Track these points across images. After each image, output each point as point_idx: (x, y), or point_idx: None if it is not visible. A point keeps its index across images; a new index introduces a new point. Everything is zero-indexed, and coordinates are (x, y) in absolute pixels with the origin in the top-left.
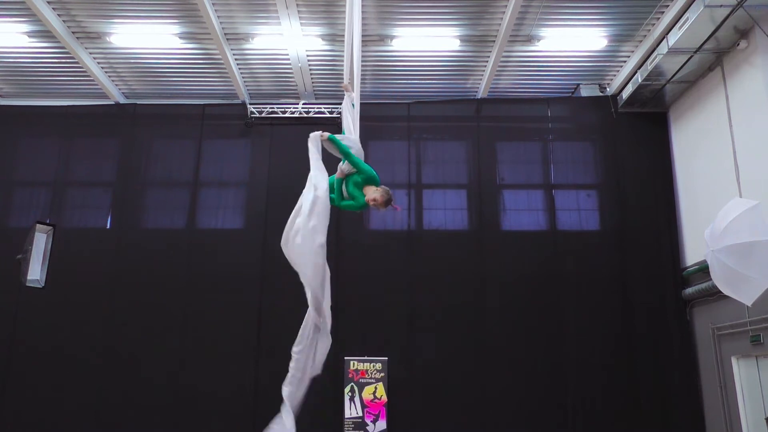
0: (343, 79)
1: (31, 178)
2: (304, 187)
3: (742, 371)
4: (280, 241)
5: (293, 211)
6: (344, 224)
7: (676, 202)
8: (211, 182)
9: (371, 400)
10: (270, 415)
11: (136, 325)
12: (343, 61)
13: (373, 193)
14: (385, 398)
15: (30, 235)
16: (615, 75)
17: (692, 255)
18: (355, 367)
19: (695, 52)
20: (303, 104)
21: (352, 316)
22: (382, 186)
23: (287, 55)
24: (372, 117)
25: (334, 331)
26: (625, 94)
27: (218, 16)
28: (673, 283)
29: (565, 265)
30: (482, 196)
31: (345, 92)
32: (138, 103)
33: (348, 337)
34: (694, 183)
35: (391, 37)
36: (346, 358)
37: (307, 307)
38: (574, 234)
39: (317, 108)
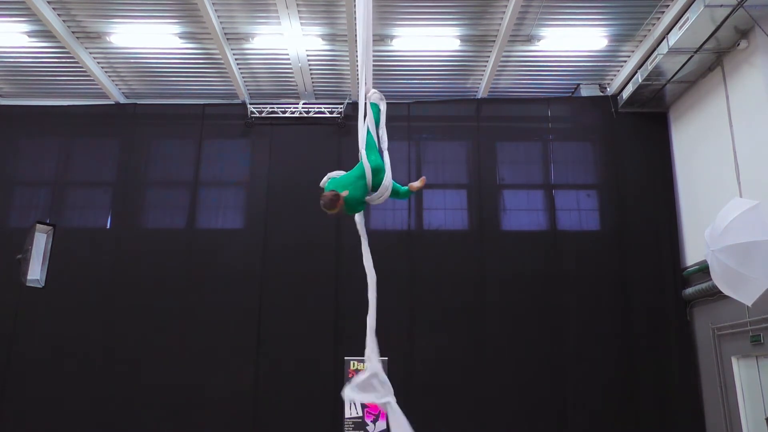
0: (343, 78)
1: (31, 178)
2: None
3: (742, 371)
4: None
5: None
6: (344, 224)
7: (676, 202)
8: (211, 182)
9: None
10: (270, 415)
11: (135, 325)
12: (343, 60)
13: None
14: None
15: (30, 235)
16: (615, 75)
17: (692, 255)
18: (355, 367)
19: (695, 52)
20: (303, 104)
21: (352, 315)
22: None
23: (287, 55)
24: None
25: (335, 331)
26: (626, 94)
27: (218, 16)
28: (673, 283)
29: (565, 265)
30: (482, 196)
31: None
32: (138, 103)
33: (348, 337)
34: (694, 183)
35: (391, 37)
36: (346, 358)
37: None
38: (574, 234)
39: (317, 108)
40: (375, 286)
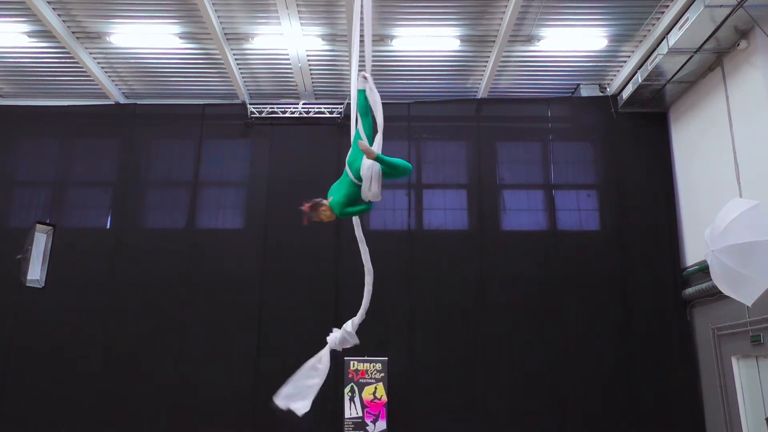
0: (343, 78)
1: (31, 178)
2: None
3: (742, 371)
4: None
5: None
6: (344, 224)
7: (676, 202)
8: (211, 182)
9: (371, 400)
10: (269, 415)
11: (135, 325)
12: (342, 60)
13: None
14: (385, 398)
15: (30, 235)
16: (615, 75)
17: (692, 255)
18: (355, 367)
19: (695, 52)
20: (303, 104)
21: (352, 316)
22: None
23: (287, 55)
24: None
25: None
26: (626, 94)
27: (218, 16)
28: (673, 283)
29: (565, 266)
30: (482, 196)
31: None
32: (138, 103)
33: None
34: (694, 183)
35: (391, 37)
36: (346, 358)
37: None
38: (574, 234)
39: (317, 108)
40: (372, 280)
